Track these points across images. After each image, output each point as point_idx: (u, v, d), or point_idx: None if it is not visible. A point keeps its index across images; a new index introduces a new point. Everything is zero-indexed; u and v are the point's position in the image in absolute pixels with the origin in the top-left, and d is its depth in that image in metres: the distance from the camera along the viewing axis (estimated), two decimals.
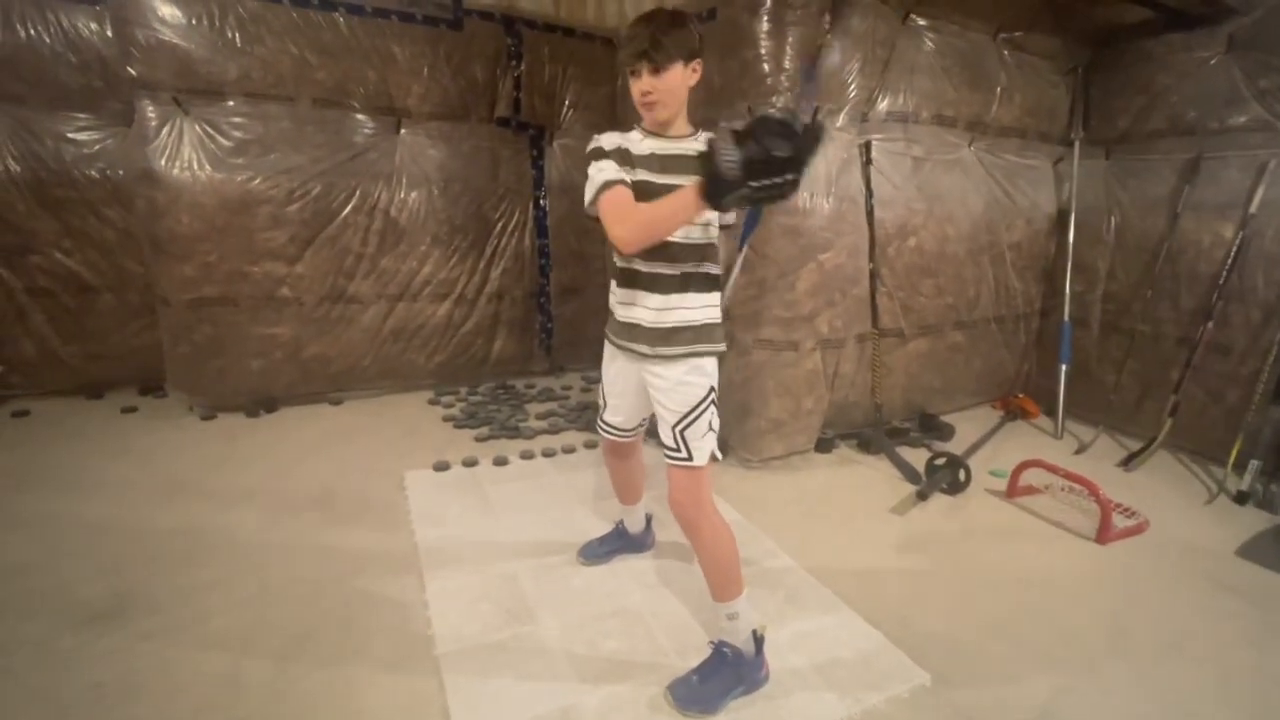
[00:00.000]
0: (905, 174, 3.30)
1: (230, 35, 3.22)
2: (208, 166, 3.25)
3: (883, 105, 3.16)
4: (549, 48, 4.04)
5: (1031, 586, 2.25)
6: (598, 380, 1.92)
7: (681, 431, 1.60)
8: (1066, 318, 3.81)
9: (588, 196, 1.53)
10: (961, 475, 2.91)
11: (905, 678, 1.77)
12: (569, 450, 3.24)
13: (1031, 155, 3.82)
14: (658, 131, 1.59)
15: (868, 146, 3.16)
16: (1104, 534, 2.54)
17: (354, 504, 2.64)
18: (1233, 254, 3.21)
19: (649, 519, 2.32)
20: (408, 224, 3.81)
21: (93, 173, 3.51)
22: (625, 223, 1.43)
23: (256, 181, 3.36)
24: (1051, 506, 2.82)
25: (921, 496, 2.82)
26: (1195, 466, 3.30)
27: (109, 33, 3.28)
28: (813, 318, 2.99)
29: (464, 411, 3.72)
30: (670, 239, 1.54)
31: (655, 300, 1.58)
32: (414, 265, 3.89)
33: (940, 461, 2.98)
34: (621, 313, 1.68)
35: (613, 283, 1.71)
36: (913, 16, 3.16)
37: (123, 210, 3.55)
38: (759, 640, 1.67)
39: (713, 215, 1.57)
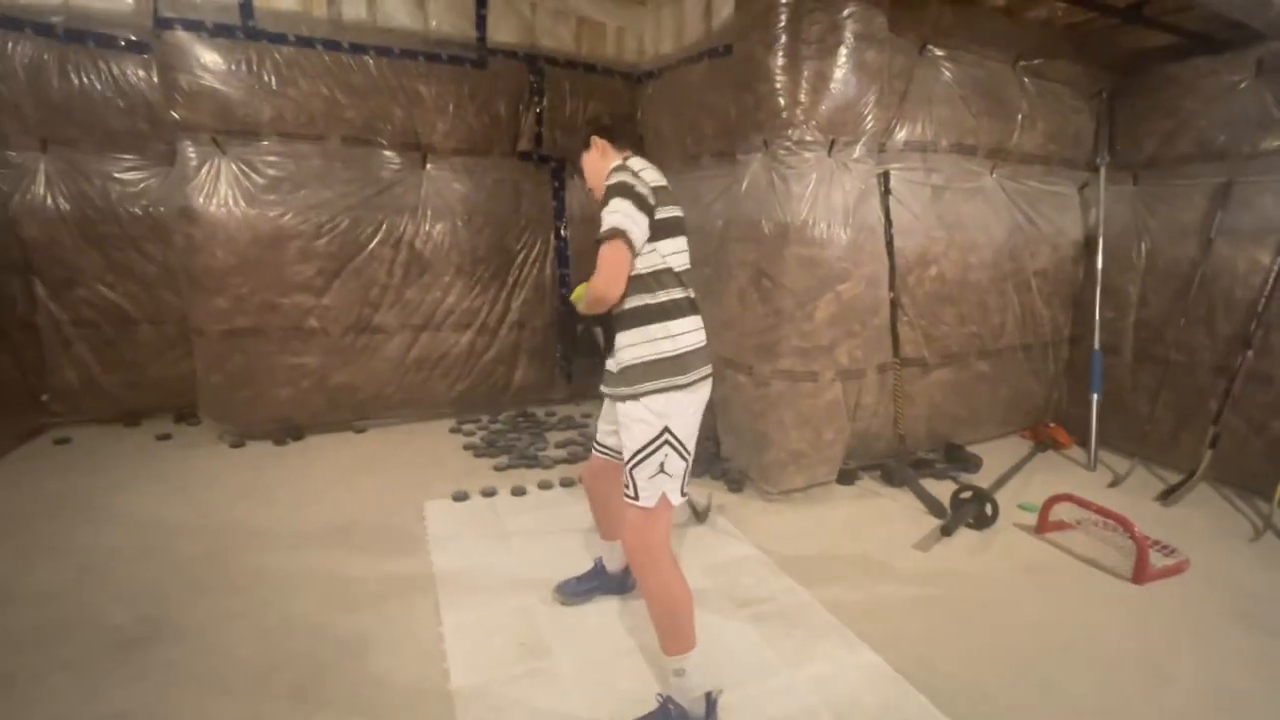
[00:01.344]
0: (925, 203, 3.29)
1: (267, 79, 3.37)
2: (242, 203, 3.39)
3: (901, 135, 3.17)
4: (570, 83, 4.14)
5: (1063, 629, 2.17)
6: None
7: (630, 470, 1.62)
8: (1097, 345, 3.71)
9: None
10: (988, 509, 2.83)
11: None
12: None
13: (1056, 181, 3.77)
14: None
15: (886, 176, 3.16)
16: (1141, 573, 2.44)
17: (375, 534, 2.67)
18: (1271, 280, 3.11)
19: None
20: (432, 256, 3.91)
21: (136, 210, 3.69)
22: None
23: (288, 217, 3.49)
24: (1085, 543, 2.72)
25: (946, 531, 2.74)
26: (1239, 501, 3.16)
27: (155, 79, 3.47)
28: (832, 348, 2.97)
29: (484, 440, 3.75)
30: None
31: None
32: (438, 295, 3.97)
33: (966, 495, 2.90)
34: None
35: None
36: (930, 47, 3.18)
37: (163, 245, 3.71)
38: (711, 703, 1.60)
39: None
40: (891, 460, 3.33)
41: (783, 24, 2.73)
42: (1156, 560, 2.50)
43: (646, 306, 1.62)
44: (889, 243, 3.17)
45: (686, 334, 1.64)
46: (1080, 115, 3.72)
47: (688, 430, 1.63)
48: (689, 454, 1.64)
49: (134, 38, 3.50)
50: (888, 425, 3.37)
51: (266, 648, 1.95)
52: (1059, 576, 2.50)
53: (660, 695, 1.64)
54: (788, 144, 2.80)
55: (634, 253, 1.57)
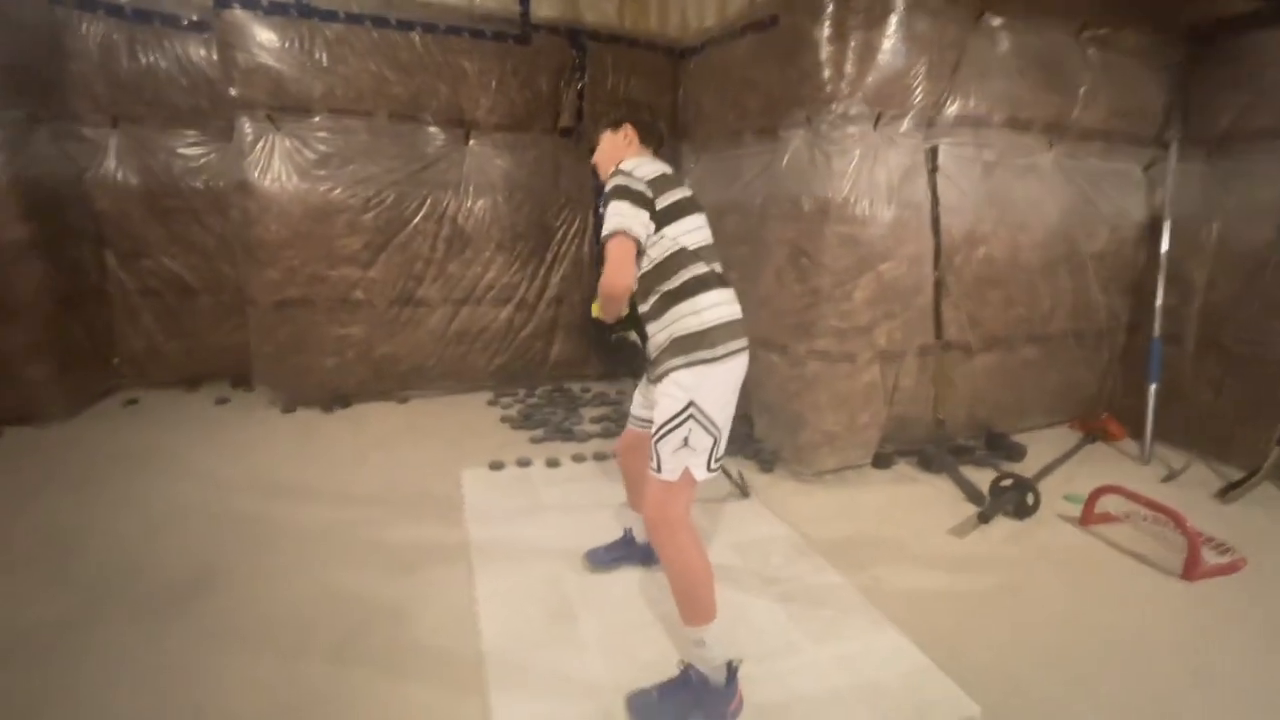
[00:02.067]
0: (974, 180, 3.16)
1: (318, 56, 3.46)
2: (294, 177, 3.50)
3: (952, 109, 3.04)
4: (612, 58, 4.12)
5: (1103, 623, 2.10)
6: None
7: (656, 443, 1.63)
8: (1157, 333, 3.52)
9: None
10: (1029, 498, 2.75)
11: (954, 709, 1.69)
12: None
13: (1118, 159, 3.57)
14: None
15: (934, 152, 3.04)
16: (1191, 570, 2.34)
17: (414, 500, 2.77)
18: None
19: None
20: (473, 231, 3.98)
21: (197, 184, 3.86)
22: None
23: (337, 191, 3.59)
24: (1132, 537, 2.61)
25: (984, 519, 2.68)
26: None
27: (215, 57, 3.59)
28: (871, 329, 2.90)
29: (521, 413, 3.83)
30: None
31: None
32: (479, 270, 4.04)
33: (1006, 483, 2.82)
34: None
35: None
36: (986, 16, 3.03)
37: (221, 218, 3.88)
38: (732, 672, 1.61)
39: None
40: (930, 446, 3.25)
41: None
42: (1209, 557, 2.39)
43: (668, 293, 1.65)
44: (935, 221, 3.06)
45: (714, 307, 1.63)
46: (1148, 88, 3.50)
47: (717, 405, 1.62)
48: (718, 430, 1.62)
49: (196, 17, 3.64)
50: (927, 410, 3.29)
51: (308, 606, 2.05)
52: (1102, 570, 2.42)
53: (682, 663, 1.67)
54: (831, 118, 2.73)
55: (638, 246, 1.62)
